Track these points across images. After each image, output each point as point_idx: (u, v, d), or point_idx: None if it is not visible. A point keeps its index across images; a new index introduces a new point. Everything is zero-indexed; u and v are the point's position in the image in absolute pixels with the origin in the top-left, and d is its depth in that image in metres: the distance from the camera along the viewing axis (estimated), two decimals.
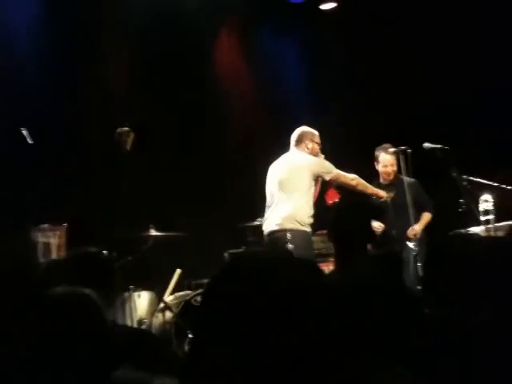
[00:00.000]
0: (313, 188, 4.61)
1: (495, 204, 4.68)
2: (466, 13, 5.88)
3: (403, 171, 4.96)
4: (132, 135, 4.75)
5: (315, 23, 6.76)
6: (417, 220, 5.07)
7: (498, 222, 4.65)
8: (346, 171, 4.81)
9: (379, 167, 5.26)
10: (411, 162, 4.90)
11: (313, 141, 4.76)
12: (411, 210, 4.79)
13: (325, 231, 5.28)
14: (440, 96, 6.04)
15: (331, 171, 4.66)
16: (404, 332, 1.34)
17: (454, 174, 4.63)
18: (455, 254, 1.29)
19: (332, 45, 6.65)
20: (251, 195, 5.32)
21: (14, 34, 5.36)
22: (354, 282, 1.47)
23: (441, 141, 4.82)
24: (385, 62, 6.35)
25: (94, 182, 5.41)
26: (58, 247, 4.79)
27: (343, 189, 4.82)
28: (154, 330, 4.78)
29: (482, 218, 4.71)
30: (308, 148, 4.73)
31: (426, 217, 5.23)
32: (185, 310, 4.81)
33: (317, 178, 4.63)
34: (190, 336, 4.53)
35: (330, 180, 4.69)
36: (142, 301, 5.00)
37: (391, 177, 5.22)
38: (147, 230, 5.08)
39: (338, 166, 4.79)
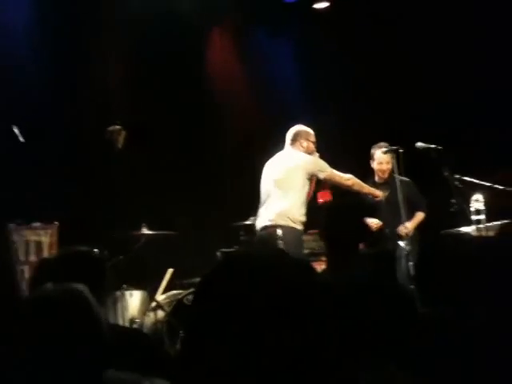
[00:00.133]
0: (307, 186, 4.62)
1: (486, 204, 4.70)
2: (466, 13, 5.89)
3: (395, 170, 4.99)
4: (124, 133, 4.73)
5: (309, 23, 6.77)
6: (410, 219, 5.10)
7: (489, 221, 4.67)
8: (343, 171, 4.81)
9: (374, 165, 5.30)
10: (404, 161, 4.92)
11: (308, 139, 4.77)
12: (403, 209, 4.80)
13: (317, 230, 5.31)
14: (440, 96, 6.05)
15: (325, 170, 4.66)
16: (400, 331, 1.34)
17: (446, 174, 4.65)
18: (446, 253, 1.30)
19: (327, 44, 6.66)
20: (244, 194, 5.32)
21: (12, 34, 5.36)
22: (349, 281, 1.47)
23: (441, 141, 4.83)
24: (383, 61, 6.35)
25: (87, 180, 5.39)
26: (50, 246, 4.77)
27: (336, 188, 4.83)
28: (145, 330, 4.77)
29: (474, 218, 4.73)
30: (303, 147, 4.74)
31: (419, 216, 5.25)
32: (177, 309, 4.80)
33: (311, 177, 4.64)
34: (182, 335, 4.52)
35: (324, 179, 4.70)
36: (133, 300, 4.99)
37: (386, 175, 5.25)
38: (139, 228, 5.07)
39: (334, 166, 4.80)
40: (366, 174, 5.39)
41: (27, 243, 4.73)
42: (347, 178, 4.75)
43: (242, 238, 5.37)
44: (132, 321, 4.90)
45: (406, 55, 6.19)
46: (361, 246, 5.29)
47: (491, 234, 4.42)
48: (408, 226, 4.93)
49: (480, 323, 1.18)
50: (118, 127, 4.71)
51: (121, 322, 4.68)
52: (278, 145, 4.90)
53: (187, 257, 5.36)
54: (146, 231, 5.09)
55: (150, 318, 4.90)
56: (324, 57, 6.73)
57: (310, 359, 0.80)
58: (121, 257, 4.78)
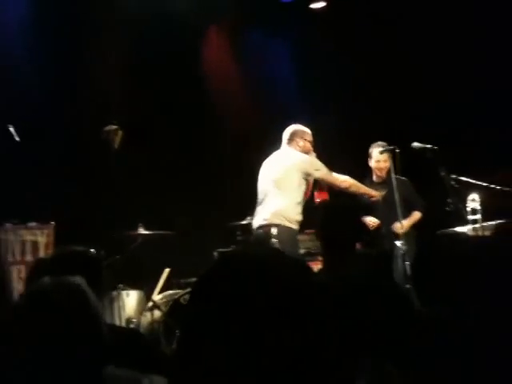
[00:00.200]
0: (303, 186, 4.61)
1: (482, 203, 4.71)
2: (466, 13, 5.90)
3: (391, 170, 4.99)
4: (120, 133, 4.72)
5: (306, 22, 6.77)
6: (407, 218, 5.11)
7: (486, 221, 4.68)
8: (340, 171, 4.81)
9: (372, 163, 5.31)
10: (401, 161, 4.93)
11: (304, 139, 4.77)
12: (400, 208, 4.80)
13: (313, 230, 5.31)
14: (440, 96, 6.05)
15: (320, 169, 4.66)
16: (397, 331, 1.34)
17: (443, 174, 4.66)
18: (442, 253, 1.30)
19: (324, 43, 6.66)
20: (242, 194, 5.32)
21: (11, 34, 5.36)
22: (346, 281, 1.47)
23: (441, 141, 4.84)
24: (382, 60, 6.36)
25: (84, 180, 5.39)
26: (46, 246, 4.77)
27: (333, 188, 4.83)
28: (142, 329, 4.77)
29: (470, 218, 4.74)
30: (299, 146, 4.74)
31: (416, 215, 5.26)
32: (173, 309, 4.80)
33: (307, 176, 4.63)
34: (178, 335, 4.51)
35: (319, 179, 4.70)
36: (130, 300, 4.99)
37: (383, 173, 5.26)
38: (136, 228, 5.07)
39: (333, 166, 4.79)
40: (364, 173, 5.40)
41: (23, 243, 4.72)
42: (343, 180, 4.74)
43: (238, 237, 5.37)
44: (129, 321, 4.89)
45: (406, 55, 6.19)
46: (357, 245, 5.30)
47: (487, 233, 4.43)
48: (403, 223, 4.91)
49: (477, 323, 1.18)
50: (114, 127, 4.70)
51: (117, 322, 4.68)
52: (276, 144, 4.91)
53: (184, 257, 5.35)
54: (142, 231, 5.08)
55: (147, 317, 4.90)
56: (321, 56, 6.73)
57: (308, 359, 0.80)
58: (117, 256, 4.78)
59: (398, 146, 4.93)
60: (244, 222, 5.23)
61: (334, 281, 1.56)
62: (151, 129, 5.94)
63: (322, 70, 6.64)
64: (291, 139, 4.76)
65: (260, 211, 4.65)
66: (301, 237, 5.07)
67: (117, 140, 4.71)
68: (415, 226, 5.25)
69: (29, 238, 4.74)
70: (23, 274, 4.52)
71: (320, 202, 4.79)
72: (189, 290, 4.86)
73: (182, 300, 4.83)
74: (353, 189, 4.80)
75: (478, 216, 4.70)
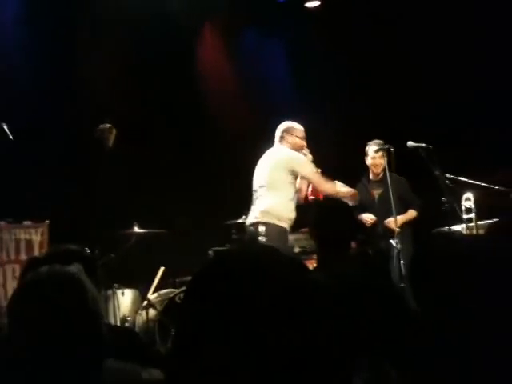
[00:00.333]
0: (292, 183, 4.56)
1: (476, 202, 4.72)
2: (466, 13, 5.90)
3: (386, 168, 5.00)
4: (114, 132, 4.71)
5: (301, 21, 6.77)
6: None
7: (480, 220, 4.70)
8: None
9: (368, 160, 5.33)
10: (398, 160, 4.94)
11: (293, 135, 4.71)
12: (395, 207, 4.81)
13: (308, 228, 5.30)
14: (440, 96, 6.06)
15: (306, 168, 4.57)
16: (393, 330, 1.34)
17: (437, 173, 4.67)
18: (436, 252, 1.30)
19: (318, 42, 6.66)
20: (238, 193, 5.32)
21: (10, 33, 5.34)
22: (341, 280, 1.47)
23: (441, 141, 4.85)
24: (378, 60, 6.36)
25: (79, 179, 5.37)
26: (41, 244, 4.75)
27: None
28: (137, 328, 4.76)
29: (464, 217, 4.75)
30: (289, 142, 4.70)
31: (411, 213, 5.27)
32: (168, 308, 4.80)
33: (293, 174, 4.56)
34: (173, 333, 4.51)
35: (303, 177, 4.60)
36: (125, 299, 4.98)
37: (379, 170, 5.27)
38: (131, 227, 5.06)
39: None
40: (361, 172, 5.42)
41: (18, 242, 4.71)
42: (329, 187, 4.58)
43: (234, 236, 5.37)
44: (124, 319, 4.89)
45: (405, 55, 6.20)
46: (353, 244, 5.30)
47: (481, 232, 4.45)
48: (397, 218, 4.89)
49: (472, 322, 1.18)
50: (108, 125, 4.68)
51: (112, 321, 4.67)
52: (269, 143, 4.90)
53: (179, 255, 5.35)
54: (137, 230, 5.07)
55: (142, 316, 4.90)
56: (317, 55, 6.74)
57: (304, 359, 0.80)
58: (112, 255, 4.76)
59: (397, 147, 4.93)
60: (239, 221, 5.23)
61: (328, 279, 1.56)
62: (150, 128, 5.93)
63: (318, 68, 6.64)
64: (281, 136, 4.74)
65: (252, 209, 4.65)
66: (296, 235, 5.07)
67: (111, 138, 4.69)
68: (411, 225, 5.25)
69: (23, 236, 4.73)
70: (18, 273, 4.50)
71: (313, 200, 4.76)
72: (184, 288, 4.86)
73: (177, 299, 4.83)
74: (330, 191, 4.59)
75: (473, 215, 4.72)
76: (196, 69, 6.47)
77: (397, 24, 6.27)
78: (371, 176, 5.39)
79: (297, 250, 5.15)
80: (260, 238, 4.36)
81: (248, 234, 4.64)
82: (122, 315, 4.87)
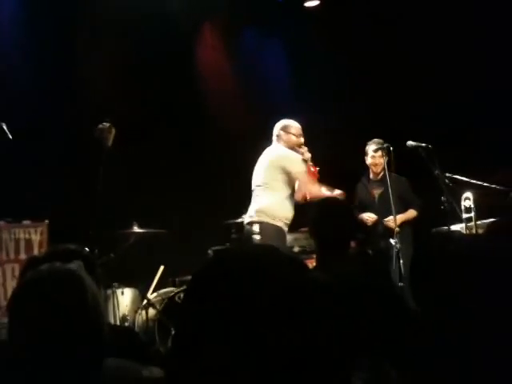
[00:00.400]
0: (288, 182, 4.52)
1: (476, 202, 4.73)
2: (465, 13, 5.91)
3: (386, 168, 5.00)
4: (113, 131, 4.70)
5: (300, 21, 6.77)
6: None
7: (479, 219, 4.70)
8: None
9: (368, 159, 5.34)
10: (398, 159, 4.94)
11: (288, 132, 4.67)
12: (394, 206, 4.80)
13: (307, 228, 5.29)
14: (440, 96, 6.06)
15: (295, 166, 4.50)
16: (394, 330, 1.34)
17: (436, 172, 4.67)
18: (436, 252, 1.30)
19: (318, 42, 6.66)
20: (236, 193, 5.32)
21: (10, 33, 5.35)
22: (341, 280, 1.47)
23: (441, 141, 4.85)
24: (377, 59, 6.36)
25: (78, 178, 5.37)
26: (40, 244, 4.75)
27: (326, 184, 4.79)
28: (137, 328, 4.76)
29: (464, 216, 4.76)
30: (284, 140, 4.66)
31: (411, 212, 5.28)
32: (168, 307, 4.80)
33: (286, 172, 4.49)
34: (172, 333, 4.51)
35: (294, 176, 4.52)
36: (125, 298, 4.98)
37: (379, 169, 5.27)
38: (130, 227, 5.06)
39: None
40: (361, 172, 5.42)
41: (17, 241, 4.71)
42: (313, 186, 4.53)
43: (233, 236, 5.37)
44: (123, 319, 4.89)
45: (405, 54, 6.20)
46: (353, 244, 5.30)
47: (481, 231, 4.45)
48: (397, 217, 4.89)
49: (472, 321, 1.18)
50: (107, 125, 4.68)
51: (112, 321, 4.67)
52: (267, 142, 4.91)
53: (179, 255, 5.35)
54: (136, 229, 5.07)
55: (142, 316, 4.89)
56: (317, 55, 6.74)
57: (304, 359, 0.80)
58: (111, 255, 4.76)
59: (397, 146, 4.93)
60: (239, 220, 5.23)
61: (328, 279, 1.56)
62: (150, 128, 5.93)
63: (318, 68, 6.64)
64: (278, 135, 4.72)
65: (249, 209, 4.65)
66: (295, 235, 5.08)
67: (110, 138, 4.68)
68: (411, 225, 5.25)
69: (22, 236, 4.73)
70: (17, 273, 4.50)
71: (312, 199, 4.75)
72: (184, 288, 4.86)
73: (176, 298, 4.83)
74: (315, 194, 4.49)
75: (472, 214, 4.72)
76: (196, 69, 6.47)
77: (397, 24, 6.26)
78: (371, 176, 5.40)
79: (296, 249, 5.15)
80: (254, 237, 4.34)
81: (244, 233, 4.64)
82: (121, 314, 4.87)
